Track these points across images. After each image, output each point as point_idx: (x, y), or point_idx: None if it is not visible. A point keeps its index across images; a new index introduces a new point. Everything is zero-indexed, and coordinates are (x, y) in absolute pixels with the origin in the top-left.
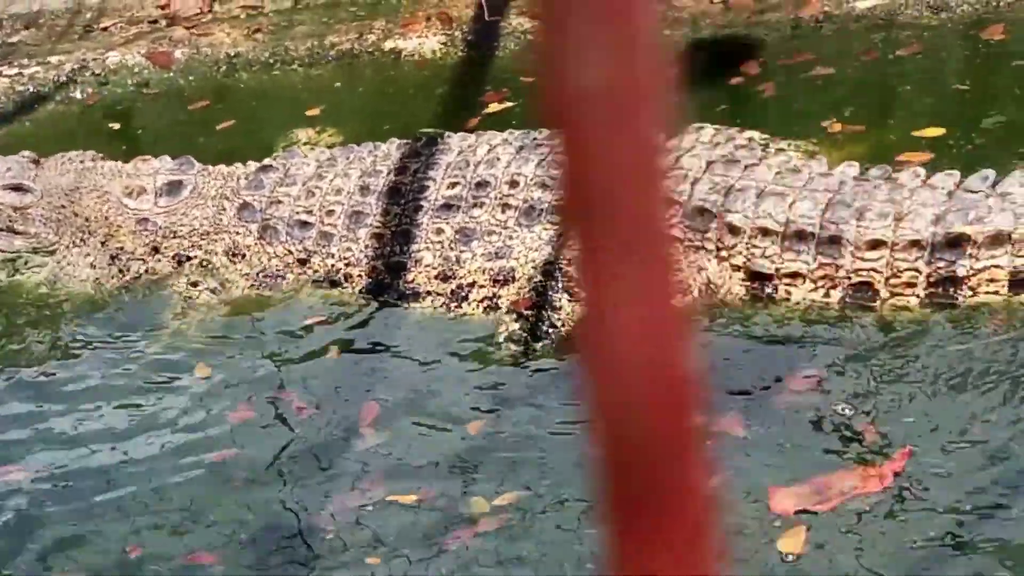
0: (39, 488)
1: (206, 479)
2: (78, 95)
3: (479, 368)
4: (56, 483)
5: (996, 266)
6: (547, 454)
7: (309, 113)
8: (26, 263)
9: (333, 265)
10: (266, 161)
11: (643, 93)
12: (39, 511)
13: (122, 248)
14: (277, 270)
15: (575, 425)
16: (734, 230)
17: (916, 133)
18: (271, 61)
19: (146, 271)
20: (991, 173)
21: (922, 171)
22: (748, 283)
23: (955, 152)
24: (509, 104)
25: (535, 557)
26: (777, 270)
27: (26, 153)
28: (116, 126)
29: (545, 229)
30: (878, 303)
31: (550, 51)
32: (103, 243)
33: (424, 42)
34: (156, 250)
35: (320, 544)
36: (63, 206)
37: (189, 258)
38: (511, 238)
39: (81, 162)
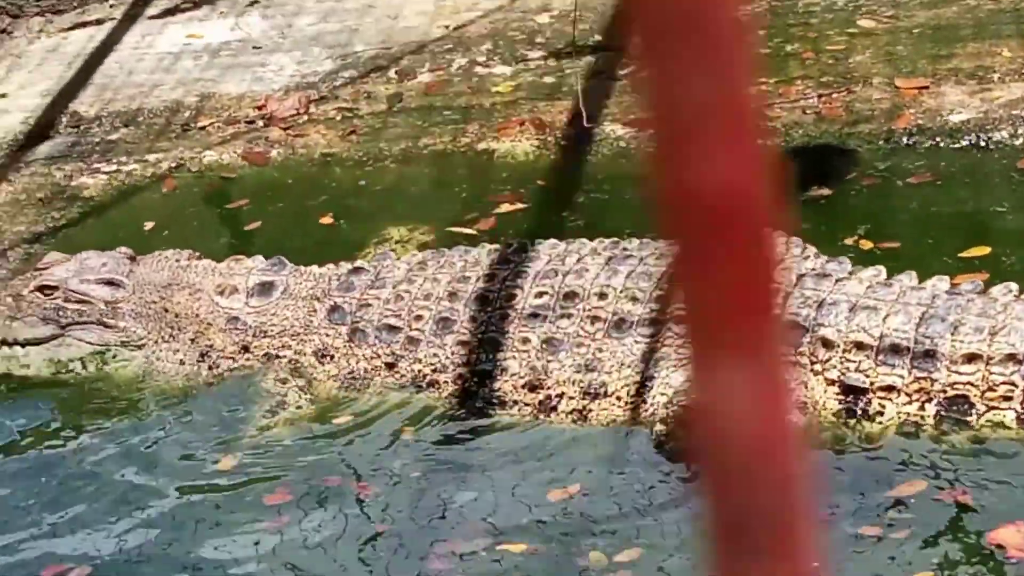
0: None
1: (308, 547)
2: (175, 191)
3: (572, 453)
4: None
5: None
6: (654, 517)
7: (401, 211)
8: (115, 356)
9: (420, 371)
10: (358, 263)
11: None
12: None
13: (212, 346)
14: (365, 373)
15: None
16: (827, 344)
17: (963, 254)
18: (365, 160)
19: (235, 369)
20: None
21: (1015, 286)
22: (842, 397)
23: (1009, 269)
24: (521, 206)
25: None
26: (871, 384)
27: (123, 249)
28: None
29: (636, 342)
30: (974, 417)
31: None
32: (193, 340)
33: (517, 145)
34: (246, 349)
35: None
36: (154, 302)
37: (279, 357)
38: (601, 351)
39: (177, 260)
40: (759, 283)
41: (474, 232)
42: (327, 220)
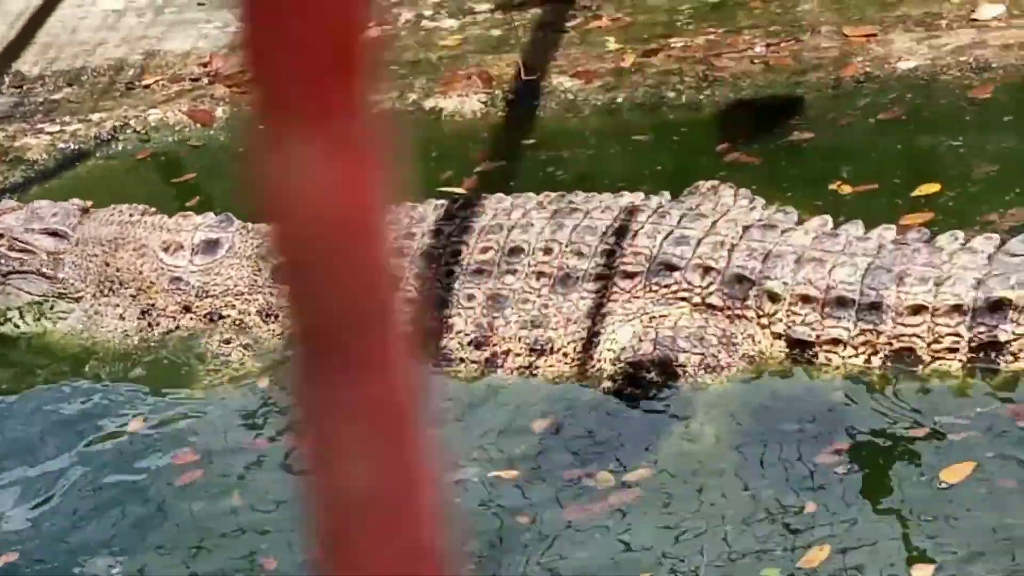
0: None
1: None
2: (120, 151)
3: (522, 399)
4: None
5: None
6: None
7: None
8: (52, 308)
9: None
10: None
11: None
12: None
13: (153, 304)
14: None
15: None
16: (774, 297)
17: (915, 193)
18: None
19: (176, 328)
20: None
21: (960, 234)
22: (788, 350)
23: (952, 208)
24: (502, 163)
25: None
26: (818, 337)
27: (76, 201)
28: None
29: (582, 298)
30: (920, 368)
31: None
32: (134, 296)
33: (465, 101)
34: (188, 309)
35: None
36: (95, 255)
37: (222, 316)
38: (546, 306)
39: (130, 215)
40: (341, 39)
41: (464, 191)
42: None
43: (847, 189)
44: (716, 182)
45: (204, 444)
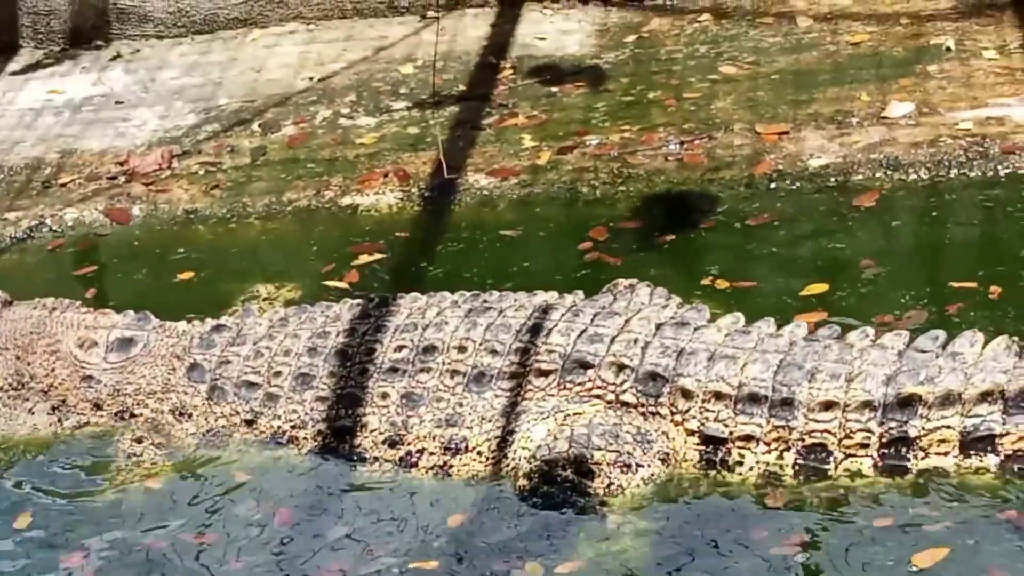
0: None
1: None
2: (34, 251)
3: (438, 496)
4: None
5: (947, 426)
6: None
7: (267, 268)
8: None
9: (279, 427)
10: (221, 320)
11: None
12: None
13: (64, 401)
14: (224, 430)
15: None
16: (687, 394)
17: (804, 292)
18: (228, 217)
19: (85, 424)
20: (941, 333)
21: (871, 331)
22: (702, 447)
23: (843, 306)
24: (380, 256)
25: None
26: (731, 433)
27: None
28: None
29: (496, 396)
30: (832, 464)
31: None
32: (45, 392)
33: (381, 198)
34: (98, 407)
35: None
36: (7, 348)
37: (134, 415)
38: (461, 405)
39: (53, 308)
40: None
41: (346, 285)
42: (189, 277)
43: (723, 284)
44: (634, 280)
45: (97, 546)
